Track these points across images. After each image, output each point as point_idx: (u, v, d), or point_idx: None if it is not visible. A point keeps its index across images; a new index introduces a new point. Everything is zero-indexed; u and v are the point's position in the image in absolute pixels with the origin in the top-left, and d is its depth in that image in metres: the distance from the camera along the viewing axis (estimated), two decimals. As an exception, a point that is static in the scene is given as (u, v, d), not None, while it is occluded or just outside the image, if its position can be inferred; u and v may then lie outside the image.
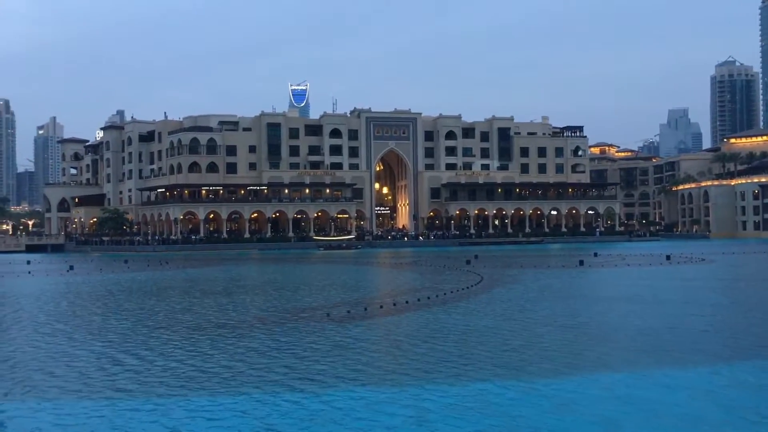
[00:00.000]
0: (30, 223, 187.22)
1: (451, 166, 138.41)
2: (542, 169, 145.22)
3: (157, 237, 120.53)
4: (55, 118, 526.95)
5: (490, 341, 21.01)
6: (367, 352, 19.62)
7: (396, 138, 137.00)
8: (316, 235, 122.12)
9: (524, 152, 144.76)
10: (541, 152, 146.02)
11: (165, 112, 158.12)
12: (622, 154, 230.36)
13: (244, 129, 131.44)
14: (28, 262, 75.67)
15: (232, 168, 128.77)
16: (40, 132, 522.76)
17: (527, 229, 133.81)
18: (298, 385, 15.61)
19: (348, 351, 19.66)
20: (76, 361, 18.69)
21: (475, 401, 14.03)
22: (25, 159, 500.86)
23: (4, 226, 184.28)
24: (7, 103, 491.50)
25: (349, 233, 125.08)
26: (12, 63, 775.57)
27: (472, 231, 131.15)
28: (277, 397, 14.53)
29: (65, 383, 16.10)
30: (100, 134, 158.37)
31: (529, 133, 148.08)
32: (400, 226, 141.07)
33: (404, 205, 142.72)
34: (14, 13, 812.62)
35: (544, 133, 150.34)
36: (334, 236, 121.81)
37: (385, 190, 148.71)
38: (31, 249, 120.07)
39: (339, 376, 16.49)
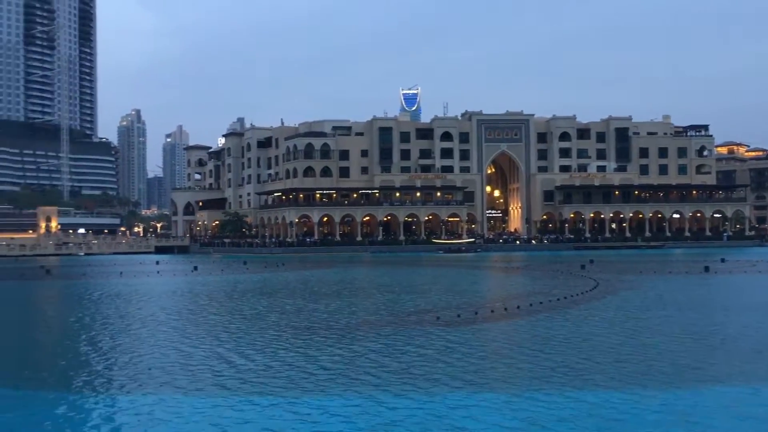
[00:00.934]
0: (159, 225, 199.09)
1: (565, 168, 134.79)
2: (663, 170, 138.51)
3: (273, 239, 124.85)
4: (181, 126, 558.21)
5: (603, 350, 20.29)
6: (474, 357, 19.45)
7: (508, 140, 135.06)
8: (427, 239, 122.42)
9: (644, 153, 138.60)
10: (662, 153, 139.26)
11: (281, 119, 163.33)
12: (753, 153, 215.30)
13: (357, 134, 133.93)
14: (157, 263, 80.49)
15: (345, 172, 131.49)
16: (168, 140, 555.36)
17: (647, 233, 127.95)
18: (401, 390, 15.66)
19: (455, 356, 19.56)
20: (189, 358, 19.62)
21: (587, 412, 13.58)
22: (154, 165, 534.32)
23: (136, 229, 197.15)
24: (138, 113, 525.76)
25: (460, 236, 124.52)
26: (142, 76, 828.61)
27: (587, 235, 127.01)
28: (380, 402, 14.64)
29: (175, 378, 16.93)
30: (222, 141, 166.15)
31: (648, 133, 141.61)
32: (512, 230, 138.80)
33: (516, 208, 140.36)
34: (142, 31, 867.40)
35: (665, 133, 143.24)
36: (445, 240, 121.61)
37: (496, 193, 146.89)
38: (159, 250, 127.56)
39: (443, 381, 16.43)
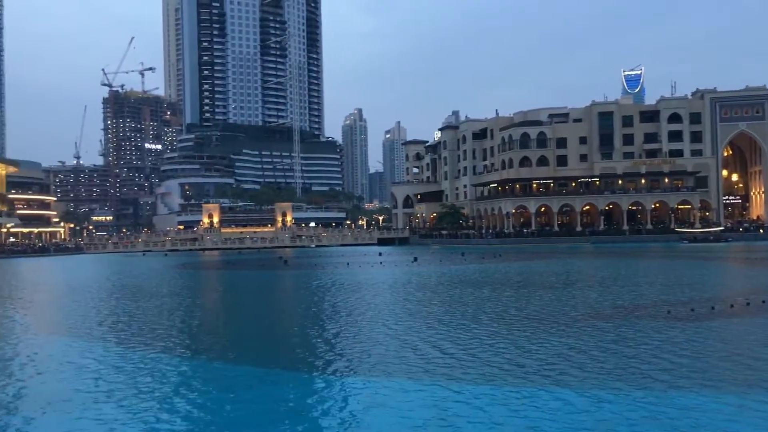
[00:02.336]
0: (380, 218, 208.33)
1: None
2: None
3: (490, 231, 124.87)
4: (399, 122, 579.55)
5: None
6: (704, 355, 17.84)
7: (747, 119, 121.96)
8: (657, 228, 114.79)
9: None
10: None
11: (496, 110, 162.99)
12: None
13: (574, 120, 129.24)
14: (380, 254, 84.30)
15: (562, 161, 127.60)
16: (387, 136, 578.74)
17: None
18: (620, 385, 14.85)
19: (683, 353, 18.10)
20: (411, 345, 20.19)
21: None
22: (375, 161, 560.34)
23: (360, 222, 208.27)
24: (360, 112, 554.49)
25: (692, 225, 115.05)
26: (364, 76, 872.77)
27: None
28: (596, 397, 13.99)
29: (401, 365, 17.50)
30: (437, 135, 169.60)
31: None
32: (755, 217, 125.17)
33: (759, 193, 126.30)
34: (363, 33, 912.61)
35: None
36: (691, 229, 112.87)
37: (734, 177, 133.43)
38: (381, 242, 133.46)
39: (666, 380, 15.29)
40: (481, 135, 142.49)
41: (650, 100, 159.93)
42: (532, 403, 13.83)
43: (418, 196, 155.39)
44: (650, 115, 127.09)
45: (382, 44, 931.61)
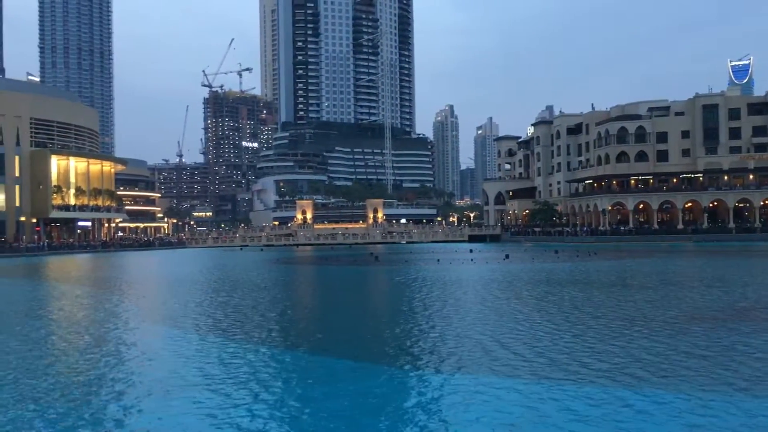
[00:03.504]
0: (471, 215, 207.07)
1: None
2: None
3: (585, 228, 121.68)
4: (491, 118, 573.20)
5: None
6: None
7: None
8: (765, 226, 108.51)
9: None
10: None
11: (592, 104, 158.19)
12: None
13: (676, 114, 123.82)
14: (471, 251, 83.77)
15: (662, 156, 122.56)
16: (479, 132, 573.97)
17: None
18: (717, 390, 14.12)
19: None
20: (502, 342, 19.97)
21: None
22: (466, 158, 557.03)
23: (451, 218, 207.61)
24: (451, 108, 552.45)
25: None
26: (455, 72, 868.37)
27: None
28: (692, 401, 13.36)
29: (492, 360, 17.34)
30: (530, 130, 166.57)
31: None
32: None
33: None
34: (454, 29, 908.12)
35: None
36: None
37: None
38: (472, 239, 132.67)
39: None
40: (575, 130, 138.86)
41: (759, 91, 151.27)
42: (622, 404, 13.42)
43: (510, 193, 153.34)
44: (759, 108, 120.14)
45: (474, 39, 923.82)
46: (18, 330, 25.04)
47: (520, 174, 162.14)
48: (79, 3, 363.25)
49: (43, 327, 26.09)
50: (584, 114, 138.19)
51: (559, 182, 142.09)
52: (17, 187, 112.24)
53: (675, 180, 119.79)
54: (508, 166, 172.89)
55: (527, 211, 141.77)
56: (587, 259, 64.83)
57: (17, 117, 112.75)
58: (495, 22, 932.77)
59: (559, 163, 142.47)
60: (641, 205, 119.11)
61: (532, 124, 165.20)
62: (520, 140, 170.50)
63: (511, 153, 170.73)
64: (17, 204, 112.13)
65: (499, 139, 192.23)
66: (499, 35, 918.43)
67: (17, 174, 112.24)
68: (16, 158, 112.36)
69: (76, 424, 12.79)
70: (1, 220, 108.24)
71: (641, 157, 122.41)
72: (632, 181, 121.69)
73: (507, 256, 67.85)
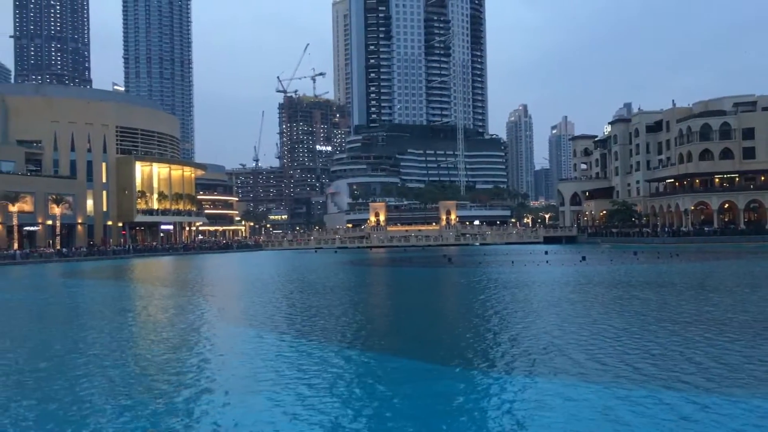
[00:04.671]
0: (546, 216, 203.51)
1: None
2: None
3: (666, 229, 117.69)
4: (566, 117, 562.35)
5: None
6: None
7: None
8: None
9: None
10: None
11: (673, 100, 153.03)
12: None
13: (764, 109, 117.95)
14: (546, 252, 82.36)
15: (749, 153, 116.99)
16: (554, 131, 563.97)
17: None
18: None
19: None
20: (579, 345, 19.58)
21: None
22: (541, 158, 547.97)
23: (525, 220, 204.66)
24: (525, 108, 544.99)
25: None
26: (528, 71, 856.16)
27: None
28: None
29: (565, 364, 17.04)
30: (607, 128, 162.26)
31: None
32: None
33: None
34: (528, 27, 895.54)
35: None
36: None
37: None
38: (548, 240, 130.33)
39: None
40: (655, 128, 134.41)
41: None
42: (702, 410, 12.99)
43: (587, 193, 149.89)
44: None
45: (548, 36, 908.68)
46: (108, 328, 26.29)
47: (597, 174, 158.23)
48: (160, 15, 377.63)
49: (131, 326, 27.32)
50: (664, 111, 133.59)
51: (638, 182, 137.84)
52: (104, 192, 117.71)
53: (763, 178, 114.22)
54: (584, 166, 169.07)
55: (604, 212, 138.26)
56: (669, 261, 62.71)
57: (104, 125, 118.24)
58: (569, 17, 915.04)
59: (638, 162, 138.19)
60: (726, 205, 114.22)
61: (610, 123, 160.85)
62: (596, 139, 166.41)
63: (587, 152, 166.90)
64: (104, 209, 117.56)
65: (574, 138, 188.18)
66: (574, 31, 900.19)
67: (104, 180, 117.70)
68: (103, 165, 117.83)
69: (161, 419, 13.36)
70: (89, 224, 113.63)
71: (726, 154, 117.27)
72: (716, 180, 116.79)
73: (584, 258, 66.38)
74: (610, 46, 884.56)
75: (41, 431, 12.84)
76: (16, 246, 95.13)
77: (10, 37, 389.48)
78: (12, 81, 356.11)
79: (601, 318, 25.66)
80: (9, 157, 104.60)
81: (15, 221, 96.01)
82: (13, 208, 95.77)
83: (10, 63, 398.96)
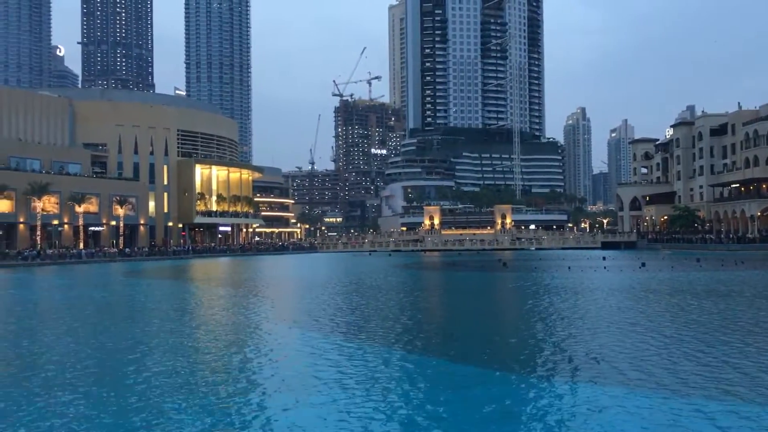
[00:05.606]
0: (604, 221, 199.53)
1: None
2: None
3: (730, 235, 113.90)
4: (626, 120, 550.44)
5: None
6: None
7: None
8: None
9: None
10: None
11: (738, 103, 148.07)
12: None
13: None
14: (604, 258, 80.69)
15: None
16: (613, 135, 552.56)
17: None
18: None
19: None
20: (635, 352, 19.12)
21: None
22: (599, 161, 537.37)
23: (582, 224, 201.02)
24: (583, 110, 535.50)
25: None
26: (587, 73, 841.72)
27: None
28: None
29: (620, 371, 16.65)
30: (669, 132, 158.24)
31: None
32: None
33: None
34: (586, 29, 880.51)
35: None
36: None
37: None
38: (605, 246, 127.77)
39: None
40: (720, 131, 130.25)
41: None
42: (742, 419, 12.55)
43: (647, 198, 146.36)
44: None
45: (607, 37, 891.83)
46: (169, 327, 27.00)
47: (658, 178, 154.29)
48: (221, 20, 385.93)
49: (191, 324, 27.99)
50: (730, 114, 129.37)
51: (701, 186, 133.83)
52: (165, 194, 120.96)
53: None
54: (644, 170, 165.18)
55: (665, 217, 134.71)
56: (733, 268, 60.63)
57: (166, 129, 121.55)
58: (629, 18, 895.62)
59: (701, 167, 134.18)
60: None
61: (672, 126, 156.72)
62: (657, 143, 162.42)
63: (647, 156, 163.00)
64: (165, 210, 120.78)
65: (634, 141, 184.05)
66: (634, 32, 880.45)
67: (165, 182, 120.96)
68: (165, 167, 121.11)
69: (220, 418, 13.64)
70: (151, 225, 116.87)
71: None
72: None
73: (643, 264, 64.77)
74: (671, 47, 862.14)
75: (101, 427, 13.23)
76: (81, 245, 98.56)
77: (78, 43, 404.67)
78: (79, 86, 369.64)
79: (661, 326, 25.00)
80: (76, 159, 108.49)
81: (81, 221, 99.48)
82: (80, 209, 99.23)
83: (77, 69, 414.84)
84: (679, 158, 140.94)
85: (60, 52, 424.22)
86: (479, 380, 16.88)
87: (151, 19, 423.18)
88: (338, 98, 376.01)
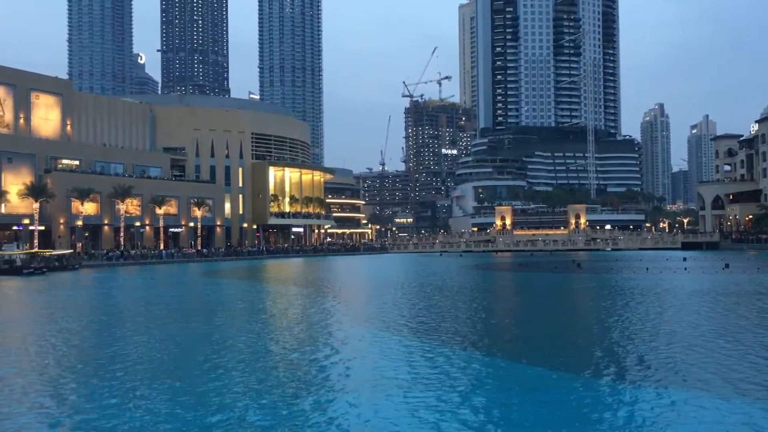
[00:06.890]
0: (685, 221, 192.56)
1: None
2: None
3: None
4: (707, 116, 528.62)
5: None
6: None
7: None
8: None
9: None
10: None
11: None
12: None
13: None
14: (684, 259, 77.90)
15: None
16: (693, 131, 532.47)
17: None
18: None
19: None
20: (715, 358, 18.40)
21: None
22: (678, 159, 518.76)
23: (661, 224, 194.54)
24: (661, 107, 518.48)
25: None
26: (665, 68, 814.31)
27: None
28: None
29: (701, 376, 16.06)
30: (754, 127, 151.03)
31: None
32: None
33: None
34: (663, 22, 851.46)
35: None
36: None
37: None
38: (686, 246, 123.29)
39: None
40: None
41: None
42: None
43: (731, 196, 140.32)
44: None
45: (686, 31, 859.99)
46: (244, 326, 27.72)
47: (742, 176, 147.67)
48: (293, 25, 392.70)
49: (265, 323, 28.66)
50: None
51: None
52: (240, 196, 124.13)
53: None
54: (727, 168, 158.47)
55: (750, 217, 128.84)
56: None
57: (241, 132, 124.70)
58: (706, 10, 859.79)
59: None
60: None
61: (757, 121, 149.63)
62: (741, 139, 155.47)
63: (731, 153, 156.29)
64: (240, 212, 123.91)
65: (717, 138, 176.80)
66: (715, 25, 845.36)
67: (240, 184, 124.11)
68: (240, 170, 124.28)
69: (289, 415, 13.92)
70: (227, 226, 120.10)
71: None
72: None
73: (727, 266, 62.15)
74: (752, 37, 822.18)
75: (176, 422, 13.70)
76: (162, 246, 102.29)
77: (158, 51, 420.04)
78: (159, 92, 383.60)
79: (744, 330, 24.00)
80: (157, 163, 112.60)
81: (161, 223, 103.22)
82: (160, 211, 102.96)
83: (157, 75, 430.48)
84: (765, 155, 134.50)
85: (141, 59, 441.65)
86: (551, 383, 16.63)
87: (227, 26, 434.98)
88: (408, 99, 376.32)
